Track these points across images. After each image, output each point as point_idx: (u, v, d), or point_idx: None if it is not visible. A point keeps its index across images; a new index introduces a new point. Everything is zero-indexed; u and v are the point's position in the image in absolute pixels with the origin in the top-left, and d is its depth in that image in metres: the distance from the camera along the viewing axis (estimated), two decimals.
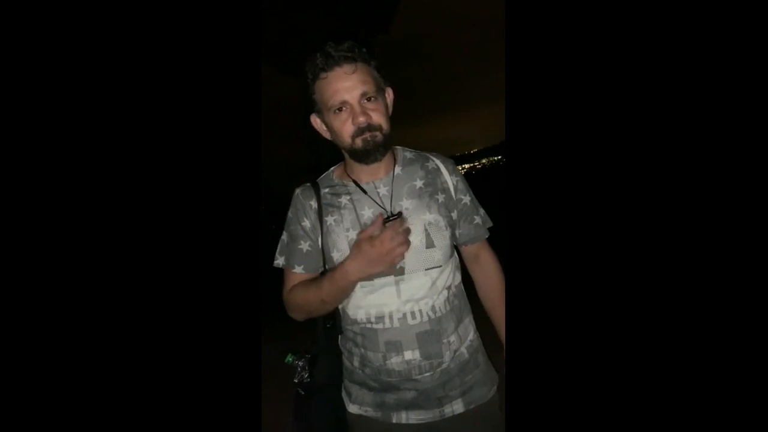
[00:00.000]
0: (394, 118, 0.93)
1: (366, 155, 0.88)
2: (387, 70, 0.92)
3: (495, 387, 1.02)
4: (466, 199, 1.00)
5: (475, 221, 1.01)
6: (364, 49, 0.88)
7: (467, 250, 1.05)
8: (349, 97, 0.86)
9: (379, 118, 0.88)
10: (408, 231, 0.85)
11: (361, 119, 0.86)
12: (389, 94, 0.95)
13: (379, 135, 0.88)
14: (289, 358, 1.00)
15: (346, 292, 0.89)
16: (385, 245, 0.80)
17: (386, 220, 0.83)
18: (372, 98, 0.87)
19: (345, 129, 0.88)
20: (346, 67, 0.85)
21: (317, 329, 1.02)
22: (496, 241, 1.07)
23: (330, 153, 1.00)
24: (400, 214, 0.88)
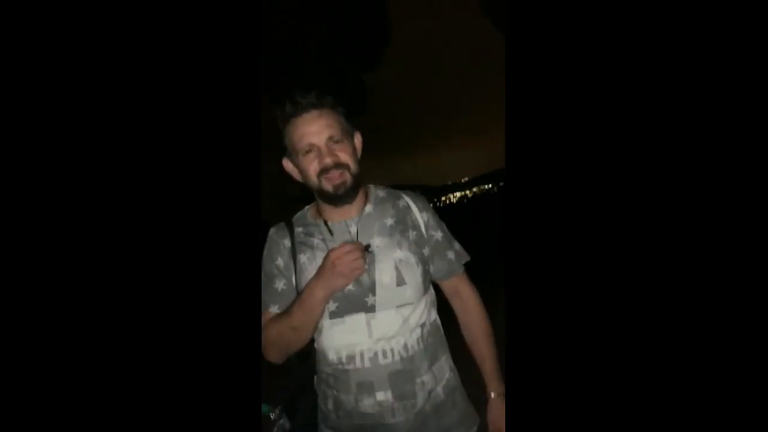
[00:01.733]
0: (389, 148, 1.00)
1: (336, 198, 0.92)
2: (376, 102, 0.97)
3: (474, 428, 1.00)
4: (438, 235, 1.01)
5: (448, 257, 1.02)
6: (330, 97, 0.94)
7: (446, 286, 1.05)
8: (316, 139, 0.90)
9: (345, 158, 0.92)
10: (364, 248, 0.87)
11: (327, 160, 0.90)
12: (357, 138, 0.99)
13: (347, 175, 0.92)
14: (265, 409, 0.94)
15: (315, 313, 0.87)
16: (342, 258, 0.83)
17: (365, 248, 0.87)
18: (338, 141, 0.92)
19: (311, 168, 0.92)
20: (313, 112, 0.91)
21: (291, 372, 1.01)
22: (483, 272, 1.06)
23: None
24: (369, 246, 0.90)
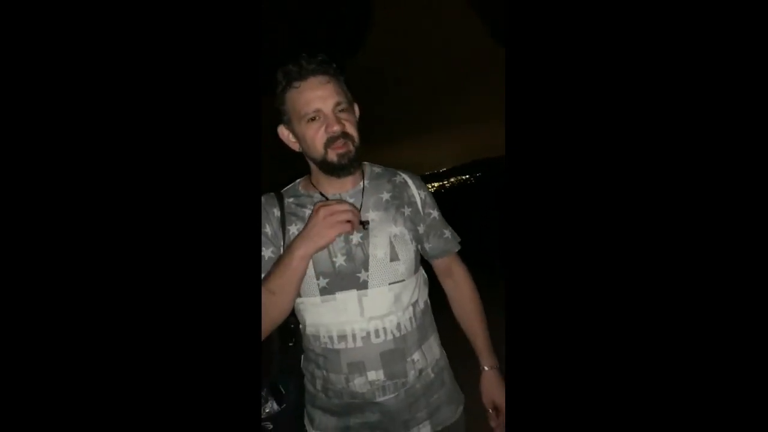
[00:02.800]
0: (366, 138, 0.96)
1: (340, 168, 0.87)
2: (357, 92, 0.96)
3: (461, 407, 1.01)
4: (435, 213, 1.01)
5: (445, 235, 1.02)
6: (334, 65, 0.89)
7: (439, 264, 1.05)
8: (323, 105, 0.85)
9: (351, 129, 0.88)
10: (352, 210, 0.82)
11: (336, 127, 0.85)
12: (357, 110, 0.95)
13: (351, 146, 0.87)
14: None
15: (294, 273, 0.81)
16: (329, 208, 0.79)
17: (360, 222, 0.83)
18: (344, 109, 0.87)
19: (318, 138, 0.86)
20: (321, 78, 0.85)
21: (274, 354, 0.97)
22: (464, 260, 1.09)
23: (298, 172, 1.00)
24: (367, 222, 0.88)
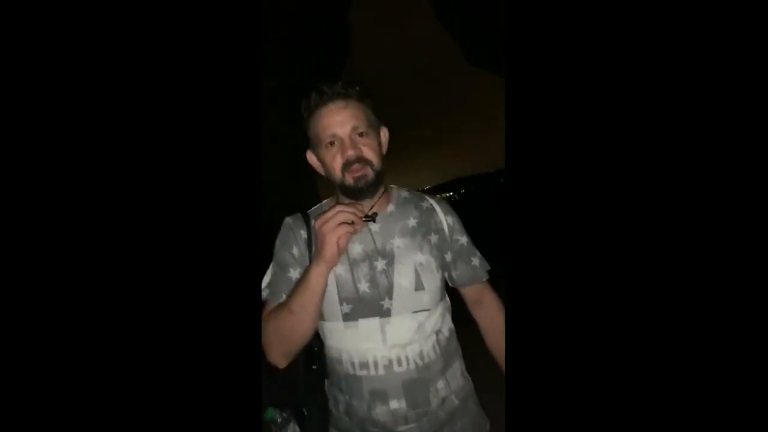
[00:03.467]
0: None
1: (357, 192, 0.88)
2: None
3: None
4: (463, 240, 0.99)
5: (473, 262, 0.99)
6: (358, 88, 0.89)
7: (468, 293, 1.02)
8: (340, 131, 0.87)
9: (369, 153, 0.88)
10: (345, 210, 0.81)
11: (350, 152, 0.86)
12: (384, 133, 0.96)
13: (369, 170, 0.87)
14: (270, 413, 0.88)
15: (311, 293, 0.81)
16: (322, 217, 0.80)
17: (366, 217, 0.84)
18: (363, 133, 0.88)
19: (335, 162, 0.88)
20: (339, 103, 0.87)
21: (298, 375, 0.94)
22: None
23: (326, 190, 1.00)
24: (375, 215, 0.87)
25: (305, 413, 0.93)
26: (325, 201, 1.02)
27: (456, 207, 1.07)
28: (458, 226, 1.00)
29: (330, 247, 0.79)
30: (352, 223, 0.80)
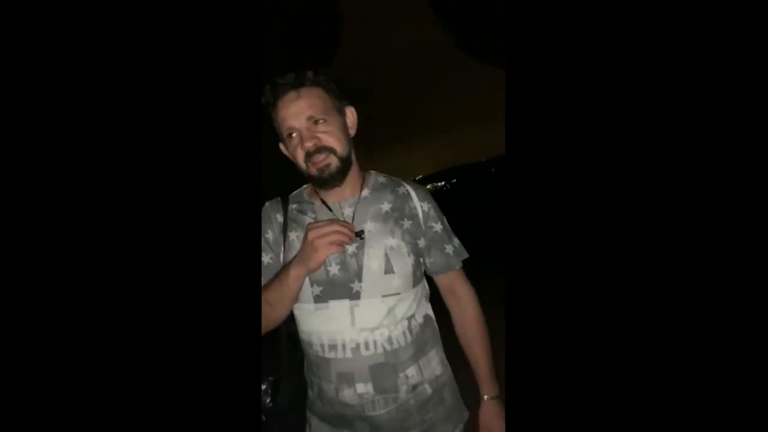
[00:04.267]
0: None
1: (322, 182, 0.89)
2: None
3: (461, 425, 0.98)
4: (437, 227, 0.98)
5: (446, 250, 0.98)
6: (310, 73, 0.88)
7: (441, 282, 1.01)
8: (296, 122, 0.86)
9: (329, 140, 0.87)
10: (340, 229, 0.82)
11: (309, 144, 0.86)
12: (350, 113, 0.94)
13: (333, 158, 0.87)
14: None
15: (289, 290, 0.84)
16: (318, 230, 0.80)
17: (356, 234, 0.85)
18: (321, 121, 0.87)
19: (298, 154, 0.88)
20: (291, 94, 0.86)
21: (280, 350, 0.98)
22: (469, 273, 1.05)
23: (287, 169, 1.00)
24: (362, 232, 0.88)
25: (280, 391, 0.96)
26: (305, 185, 1.01)
27: (448, 196, 1.06)
28: (434, 213, 0.98)
29: (317, 261, 0.81)
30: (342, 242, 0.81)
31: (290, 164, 0.94)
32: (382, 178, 1.00)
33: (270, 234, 0.95)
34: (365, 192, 0.96)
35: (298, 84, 0.87)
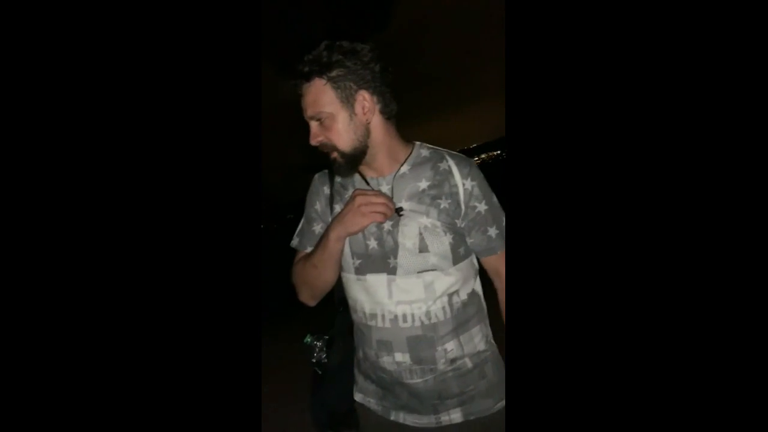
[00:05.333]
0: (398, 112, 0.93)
1: (336, 170, 0.92)
2: (385, 66, 0.88)
3: (502, 402, 0.96)
4: (481, 207, 0.92)
5: (488, 233, 0.93)
6: (324, 58, 0.84)
7: (486, 263, 0.97)
8: (306, 115, 0.89)
9: (331, 137, 0.86)
10: (386, 203, 0.86)
11: (312, 141, 0.89)
12: (362, 99, 0.87)
13: (336, 155, 0.88)
14: (308, 339, 1.04)
15: (330, 252, 0.90)
16: (365, 197, 0.85)
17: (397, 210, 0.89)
18: (324, 117, 0.86)
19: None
20: (303, 85, 0.88)
21: (336, 314, 1.05)
22: None
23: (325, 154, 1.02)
24: (400, 209, 0.90)
25: (334, 349, 1.03)
26: None
27: (503, 165, 1.00)
28: (478, 192, 0.92)
29: (359, 225, 0.86)
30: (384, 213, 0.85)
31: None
32: (425, 151, 0.95)
33: (318, 205, 1.01)
34: (404, 168, 0.93)
35: (307, 74, 0.86)
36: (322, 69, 0.85)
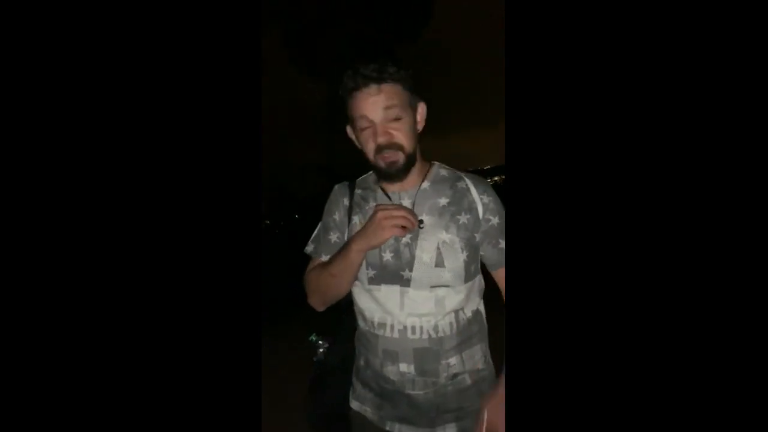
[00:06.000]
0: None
1: (388, 176, 0.93)
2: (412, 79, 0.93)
3: None
4: (494, 220, 0.96)
5: (500, 245, 0.96)
6: (393, 68, 0.90)
7: (496, 276, 0.99)
8: (373, 116, 0.89)
9: (401, 138, 0.90)
10: (408, 216, 0.86)
11: (381, 139, 0.89)
12: (421, 110, 0.96)
13: (400, 155, 0.90)
14: (313, 337, 1.07)
15: (351, 263, 0.91)
16: (387, 211, 0.85)
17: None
18: (396, 118, 0.89)
19: (368, 146, 0.92)
20: (373, 88, 0.88)
21: (341, 317, 1.07)
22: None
23: (344, 155, 1.05)
24: (421, 222, 0.92)
25: (335, 352, 1.07)
26: (371, 173, 1.04)
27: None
28: (493, 206, 0.97)
29: (381, 239, 0.87)
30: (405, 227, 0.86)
31: (356, 149, 0.98)
32: (444, 171, 1.01)
33: (337, 215, 1.03)
34: (425, 184, 0.98)
35: (380, 78, 0.88)
36: (395, 74, 0.89)
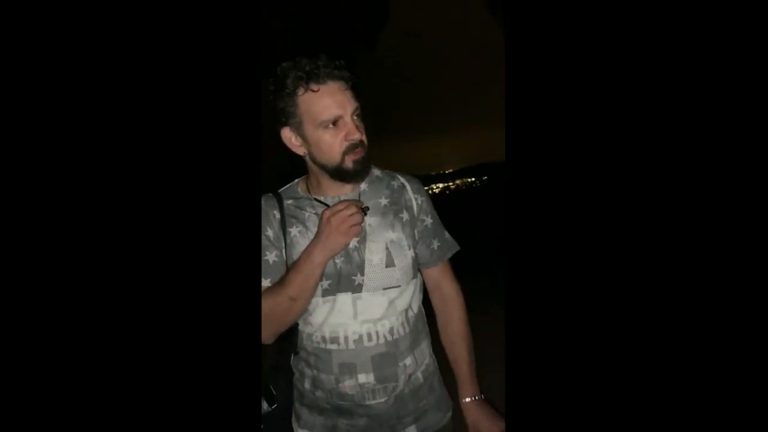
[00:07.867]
0: (373, 135, 0.94)
1: (355, 175, 0.87)
2: (369, 86, 0.93)
3: (450, 413, 1.00)
4: (428, 221, 0.98)
5: (433, 245, 0.98)
6: (341, 67, 0.86)
7: (427, 276, 1.01)
8: (343, 112, 0.83)
9: (364, 136, 0.87)
10: (361, 210, 0.83)
11: (356, 135, 0.84)
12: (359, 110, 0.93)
13: (365, 152, 0.87)
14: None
15: (314, 279, 0.83)
16: (338, 215, 0.79)
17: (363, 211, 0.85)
18: (360, 116, 0.87)
19: (336, 145, 0.84)
20: (341, 83, 0.84)
21: (266, 354, 0.95)
22: (466, 264, 1.03)
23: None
24: (367, 208, 0.87)
25: (273, 392, 0.96)
26: (295, 181, 0.99)
27: (478, 193, 1.02)
28: (426, 206, 0.99)
29: (341, 244, 0.81)
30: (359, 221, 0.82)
31: (285, 155, 0.92)
32: (377, 172, 0.99)
33: (270, 231, 0.92)
34: (364, 186, 0.95)
35: (345, 76, 0.85)
36: (351, 75, 0.86)
